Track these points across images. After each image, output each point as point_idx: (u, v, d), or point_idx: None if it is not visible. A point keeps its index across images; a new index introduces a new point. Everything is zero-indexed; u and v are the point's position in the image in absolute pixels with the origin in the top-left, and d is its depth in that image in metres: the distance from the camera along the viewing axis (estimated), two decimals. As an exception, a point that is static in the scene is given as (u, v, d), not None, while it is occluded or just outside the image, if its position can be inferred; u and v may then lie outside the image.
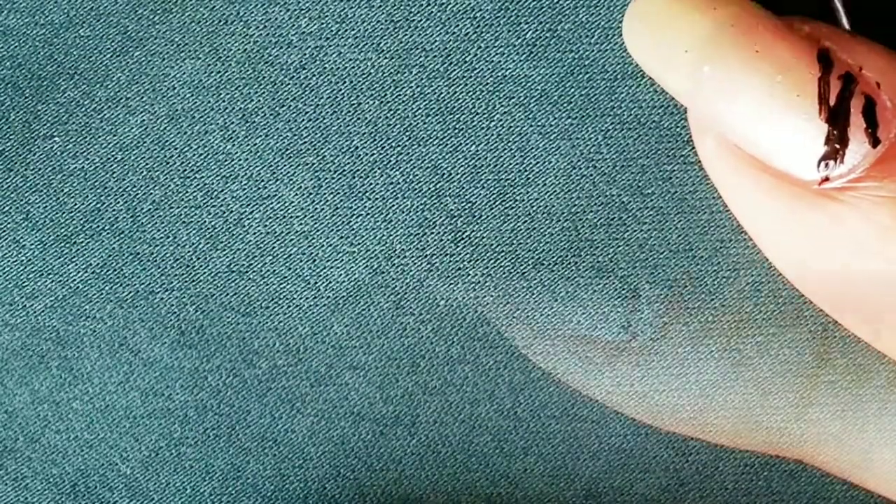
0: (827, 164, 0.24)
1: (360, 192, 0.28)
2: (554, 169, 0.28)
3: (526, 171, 0.28)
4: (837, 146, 0.24)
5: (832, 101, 0.24)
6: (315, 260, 0.29)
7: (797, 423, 0.28)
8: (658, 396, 0.29)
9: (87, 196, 0.29)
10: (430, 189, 0.28)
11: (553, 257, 0.28)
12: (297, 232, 0.28)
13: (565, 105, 0.28)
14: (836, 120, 0.24)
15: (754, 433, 0.28)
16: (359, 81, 0.28)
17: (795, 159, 0.25)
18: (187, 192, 0.28)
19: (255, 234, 0.29)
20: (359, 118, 0.28)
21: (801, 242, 0.25)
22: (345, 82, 0.28)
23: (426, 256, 0.29)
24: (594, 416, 0.29)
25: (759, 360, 0.28)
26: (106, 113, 0.28)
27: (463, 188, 0.28)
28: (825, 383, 0.28)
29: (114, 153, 0.28)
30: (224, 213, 0.28)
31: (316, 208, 0.28)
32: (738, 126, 0.25)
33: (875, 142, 0.24)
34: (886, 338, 0.26)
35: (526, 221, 0.28)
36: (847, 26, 0.26)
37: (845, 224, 0.24)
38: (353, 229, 0.28)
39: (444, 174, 0.28)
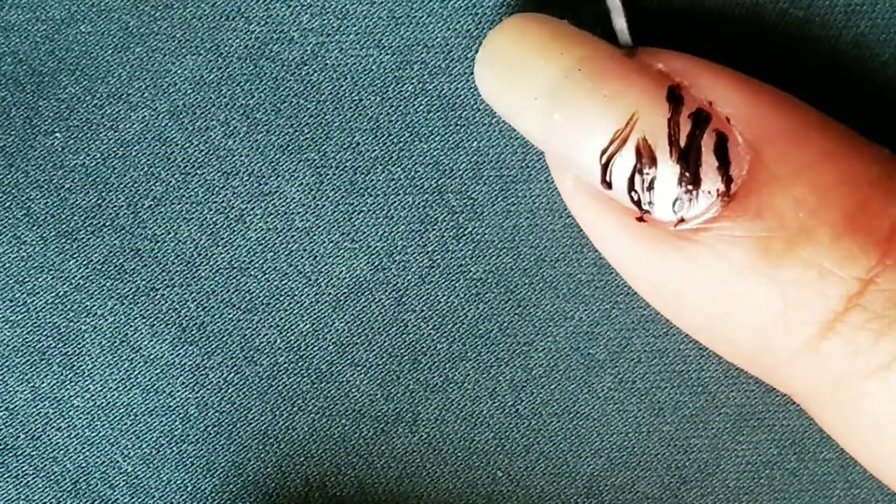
0: (681, 206, 0.24)
1: (361, 188, 0.28)
2: (555, 165, 0.28)
3: (528, 166, 0.28)
4: (690, 187, 0.24)
5: (682, 142, 0.24)
6: (316, 256, 0.29)
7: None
8: (660, 393, 0.29)
9: (88, 192, 0.29)
10: (431, 185, 0.28)
11: (555, 253, 0.28)
12: (298, 228, 0.28)
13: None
14: (688, 160, 0.24)
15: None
16: (360, 77, 0.28)
17: (650, 201, 0.24)
18: (188, 188, 0.28)
19: (256, 230, 0.29)
20: (360, 114, 0.28)
21: (662, 280, 0.25)
22: (346, 78, 0.28)
23: (428, 253, 0.29)
24: (596, 413, 0.29)
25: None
26: (107, 109, 0.28)
27: (465, 184, 0.28)
28: None
29: (115, 149, 0.28)
30: (225, 209, 0.28)
31: (317, 204, 0.28)
32: (592, 169, 0.24)
33: (727, 180, 0.24)
34: (758, 368, 0.25)
35: (528, 217, 0.28)
36: (625, 30, 0.26)
37: (701, 265, 0.24)
38: (354, 226, 0.28)
39: (445, 170, 0.28)
